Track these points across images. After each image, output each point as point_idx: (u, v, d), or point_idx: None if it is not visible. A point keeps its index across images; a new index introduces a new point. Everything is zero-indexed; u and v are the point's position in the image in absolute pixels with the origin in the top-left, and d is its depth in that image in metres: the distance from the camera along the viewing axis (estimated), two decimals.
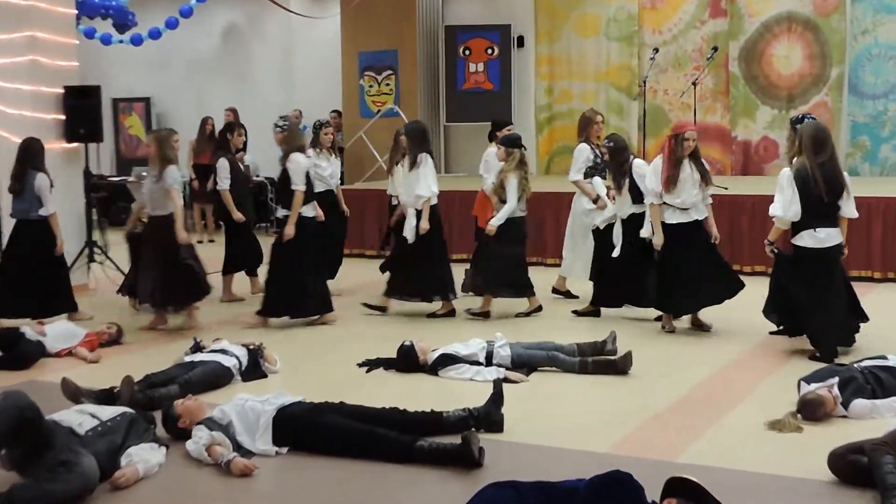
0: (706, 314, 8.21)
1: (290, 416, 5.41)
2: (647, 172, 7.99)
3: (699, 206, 7.95)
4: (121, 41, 15.69)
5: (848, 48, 12.90)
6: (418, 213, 8.75)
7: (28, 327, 7.82)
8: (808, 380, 5.97)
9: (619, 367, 6.84)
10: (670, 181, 7.76)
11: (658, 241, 7.88)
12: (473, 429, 5.38)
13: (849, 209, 7.13)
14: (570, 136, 14.43)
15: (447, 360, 6.87)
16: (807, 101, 13.14)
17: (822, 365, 6.50)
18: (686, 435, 5.59)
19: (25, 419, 4.66)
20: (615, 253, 8.46)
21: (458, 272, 9.14)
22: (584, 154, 9.25)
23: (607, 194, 8.98)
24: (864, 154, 12.92)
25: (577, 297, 9.38)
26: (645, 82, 12.24)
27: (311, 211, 8.74)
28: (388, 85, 15.53)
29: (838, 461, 4.75)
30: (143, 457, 5.06)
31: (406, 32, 15.24)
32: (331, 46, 16.21)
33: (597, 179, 9.11)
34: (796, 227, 7.04)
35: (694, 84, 12.00)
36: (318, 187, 9.66)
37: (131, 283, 9.28)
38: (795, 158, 7.38)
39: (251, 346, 7.06)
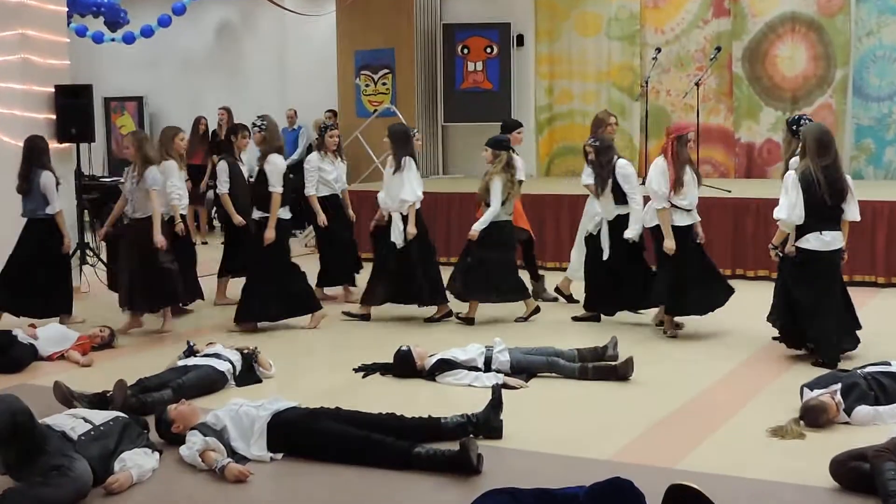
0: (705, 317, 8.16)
1: (286, 422, 5.38)
2: (652, 175, 7.88)
3: (695, 208, 7.98)
4: (113, 39, 15.68)
5: (852, 49, 12.84)
6: (404, 218, 8.67)
7: (20, 330, 7.78)
8: (811, 386, 5.94)
9: (620, 372, 6.79)
10: (678, 183, 7.76)
11: (671, 244, 7.82)
12: (472, 435, 5.34)
13: (852, 212, 7.11)
14: (570, 136, 14.47)
15: (445, 365, 6.81)
16: (811, 102, 13.07)
17: (824, 371, 6.46)
18: (687, 441, 5.55)
19: (17, 423, 4.64)
20: (605, 255, 8.43)
21: None
22: None
23: None
24: (869, 157, 12.85)
25: (577, 301, 9.32)
26: (647, 82, 12.20)
27: (287, 213, 8.65)
28: (384, 84, 15.48)
29: (840, 468, 4.72)
30: (136, 462, 5.04)
31: (403, 30, 15.19)
32: (326, 45, 16.16)
33: None
34: (801, 230, 7.00)
35: (697, 85, 11.95)
36: (323, 191, 9.62)
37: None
38: (793, 160, 7.42)
39: (245, 351, 7.01)
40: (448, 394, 6.52)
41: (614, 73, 14.39)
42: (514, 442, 5.50)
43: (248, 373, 6.89)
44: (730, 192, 10.86)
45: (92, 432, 5.02)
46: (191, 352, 6.96)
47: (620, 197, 8.34)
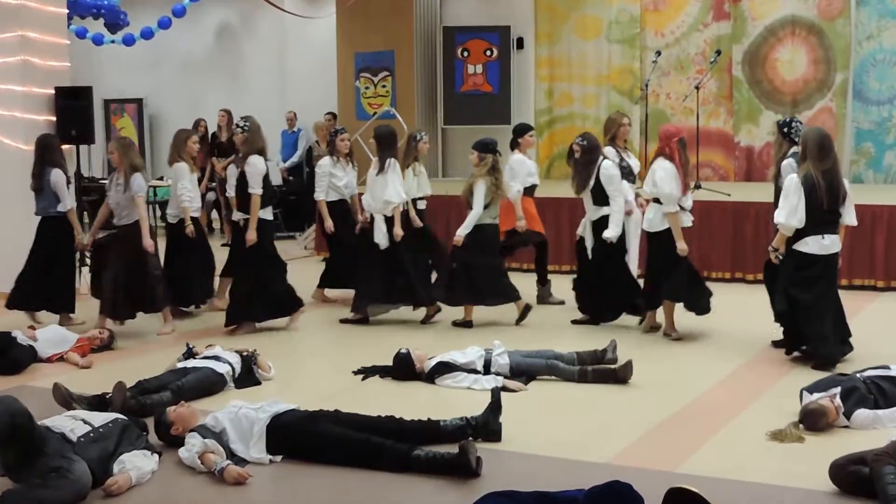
0: (705, 321, 8.17)
1: (285, 424, 5.36)
2: (664, 179, 7.80)
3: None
4: (112, 41, 15.67)
5: (853, 53, 12.85)
6: (388, 220, 8.65)
7: (19, 332, 7.78)
8: (811, 389, 5.93)
9: (620, 376, 6.78)
10: (686, 186, 7.81)
11: (685, 245, 7.84)
12: (471, 438, 5.34)
13: (850, 217, 7.15)
14: (570, 139, 14.18)
15: (444, 368, 6.80)
16: (811, 106, 13.09)
17: (824, 374, 6.46)
18: (687, 445, 5.54)
19: (17, 425, 4.64)
20: (588, 255, 8.51)
21: None
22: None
23: (635, 199, 8.91)
24: (869, 161, 12.86)
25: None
26: (647, 86, 12.22)
27: (270, 214, 8.62)
28: (384, 87, 15.49)
29: (839, 472, 4.71)
30: (135, 464, 5.03)
31: (403, 33, 15.20)
32: (326, 47, 16.17)
33: (624, 184, 8.87)
34: (800, 233, 6.99)
35: (697, 88, 11.96)
36: (331, 196, 9.58)
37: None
38: (784, 162, 7.45)
39: (245, 353, 7.00)
40: (447, 396, 6.50)
41: (614, 76, 14.40)
42: (513, 445, 5.48)
43: (248, 375, 6.88)
44: (729, 195, 10.87)
45: (91, 434, 5.02)
46: (190, 354, 6.94)
47: (599, 198, 8.37)
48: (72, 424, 5.04)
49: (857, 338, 7.26)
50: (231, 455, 5.23)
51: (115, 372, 6.83)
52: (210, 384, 6.58)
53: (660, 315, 8.25)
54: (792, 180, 6.96)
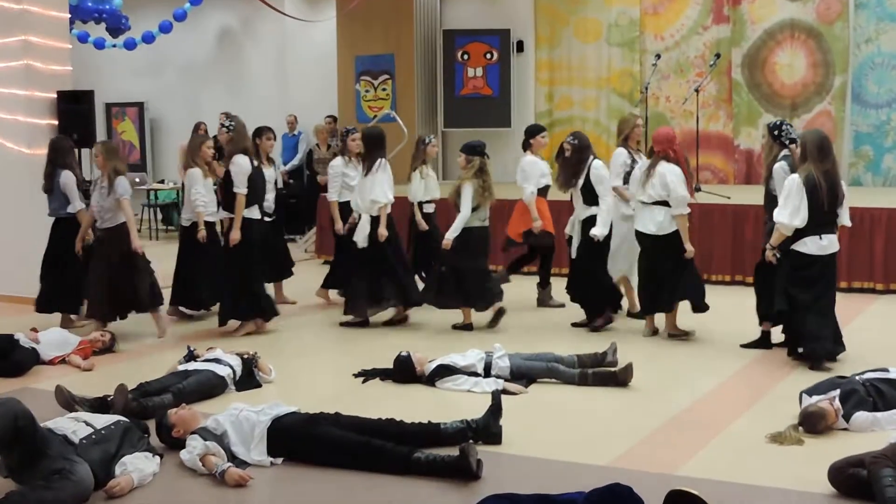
0: (706, 323, 8.19)
1: (286, 427, 5.37)
2: (674, 181, 7.82)
3: None
4: (114, 45, 15.68)
5: (851, 57, 12.86)
6: (373, 220, 8.65)
7: (22, 334, 7.79)
8: (810, 392, 5.95)
9: (620, 378, 6.78)
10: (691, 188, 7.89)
11: (692, 249, 7.89)
12: (471, 441, 5.33)
13: (845, 217, 7.21)
14: None
15: (444, 370, 6.80)
16: (810, 109, 13.11)
17: (823, 377, 6.45)
18: (687, 447, 5.55)
19: (19, 427, 4.65)
20: (572, 254, 8.61)
21: None
22: (620, 158, 8.93)
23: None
24: (867, 164, 12.88)
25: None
26: (646, 89, 12.23)
27: (256, 213, 8.60)
28: (384, 90, 15.51)
29: (838, 474, 4.72)
30: (137, 466, 5.04)
31: (403, 36, 15.22)
32: (326, 50, 16.18)
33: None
34: (799, 233, 7.01)
35: (696, 91, 11.97)
36: (343, 197, 9.56)
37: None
38: (776, 165, 7.45)
39: (246, 356, 7.01)
40: (447, 399, 6.51)
41: (614, 79, 14.42)
42: (513, 447, 5.49)
43: (249, 378, 6.89)
44: (729, 198, 10.88)
45: (93, 436, 5.03)
46: (191, 356, 6.95)
47: (589, 197, 8.41)
48: (74, 426, 5.05)
49: (856, 340, 7.28)
50: (232, 457, 5.24)
51: (117, 374, 6.85)
52: (211, 387, 6.59)
53: (659, 319, 8.27)
54: (794, 181, 6.96)
